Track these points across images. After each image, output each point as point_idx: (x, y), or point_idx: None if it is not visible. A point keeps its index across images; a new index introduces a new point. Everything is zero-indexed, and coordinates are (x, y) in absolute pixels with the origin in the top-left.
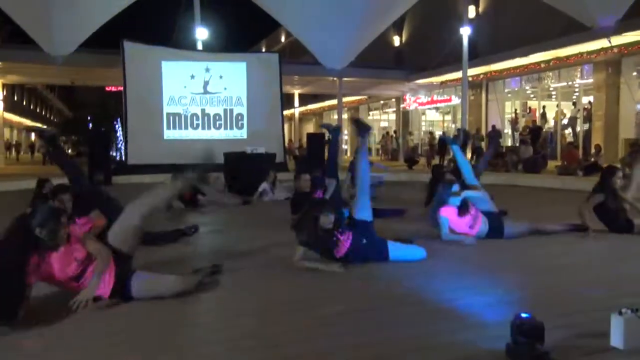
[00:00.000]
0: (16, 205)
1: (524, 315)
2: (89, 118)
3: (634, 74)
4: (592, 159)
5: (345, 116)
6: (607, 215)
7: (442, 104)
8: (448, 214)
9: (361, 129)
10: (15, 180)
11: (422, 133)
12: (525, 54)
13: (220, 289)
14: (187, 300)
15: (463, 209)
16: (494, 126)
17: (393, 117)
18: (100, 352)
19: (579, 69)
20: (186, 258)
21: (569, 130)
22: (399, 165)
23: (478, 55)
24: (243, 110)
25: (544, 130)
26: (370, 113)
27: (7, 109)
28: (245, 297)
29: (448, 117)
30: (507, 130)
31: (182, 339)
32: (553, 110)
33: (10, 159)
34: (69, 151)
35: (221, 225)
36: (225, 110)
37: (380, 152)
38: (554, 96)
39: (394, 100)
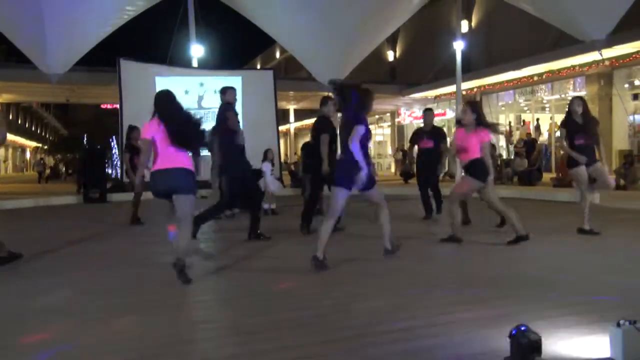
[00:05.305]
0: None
1: (522, 328)
2: (85, 135)
3: (626, 85)
4: None
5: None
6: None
7: (437, 118)
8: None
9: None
10: None
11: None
12: (518, 67)
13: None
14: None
15: None
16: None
17: (388, 131)
18: None
19: (572, 82)
20: None
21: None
22: (389, 180)
23: (471, 69)
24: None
25: (538, 142)
26: None
27: None
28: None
29: None
30: (502, 143)
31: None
32: (547, 123)
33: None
34: (63, 169)
35: None
36: None
37: None
38: (547, 109)
39: (388, 114)
